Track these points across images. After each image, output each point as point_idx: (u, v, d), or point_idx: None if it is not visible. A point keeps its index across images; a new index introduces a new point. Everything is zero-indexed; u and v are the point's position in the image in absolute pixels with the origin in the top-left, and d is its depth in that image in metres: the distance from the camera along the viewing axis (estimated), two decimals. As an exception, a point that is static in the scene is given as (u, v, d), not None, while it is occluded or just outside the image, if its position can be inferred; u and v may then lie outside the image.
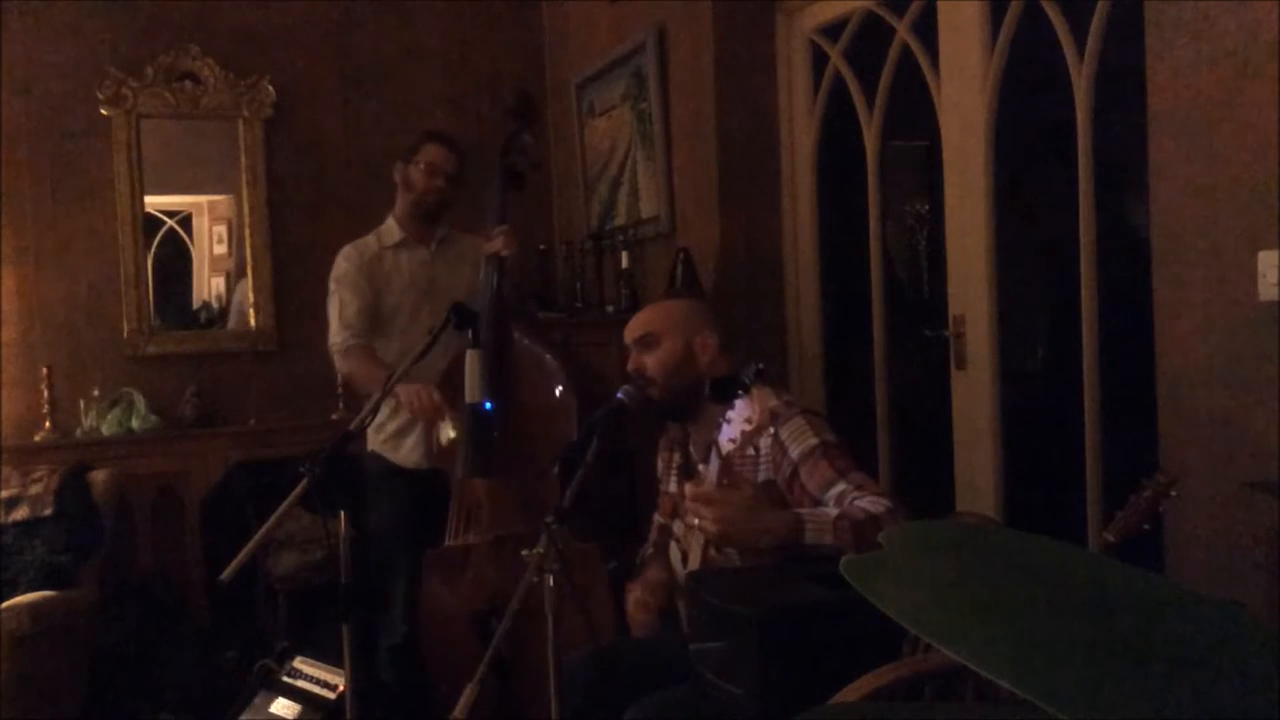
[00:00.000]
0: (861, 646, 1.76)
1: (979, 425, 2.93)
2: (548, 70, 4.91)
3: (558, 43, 4.84)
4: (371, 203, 4.53)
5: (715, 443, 2.01)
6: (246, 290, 4.58)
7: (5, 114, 4.22)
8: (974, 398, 2.94)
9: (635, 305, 3.64)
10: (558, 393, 3.01)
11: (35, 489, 3.80)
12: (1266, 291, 2.03)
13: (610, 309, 3.95)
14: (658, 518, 2.53)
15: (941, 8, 2.99)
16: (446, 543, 3.09)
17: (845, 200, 3.50)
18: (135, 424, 4.25)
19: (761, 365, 1.94)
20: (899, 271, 3.81)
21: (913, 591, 0.67)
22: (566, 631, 1.86)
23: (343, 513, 2.22)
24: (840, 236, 3.57)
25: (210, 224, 4.63)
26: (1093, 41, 2.55)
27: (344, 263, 3.34)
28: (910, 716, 1.10)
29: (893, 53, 3.21)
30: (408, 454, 3.31)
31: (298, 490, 2.15)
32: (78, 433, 4.23)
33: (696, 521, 2.01)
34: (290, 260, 4.57)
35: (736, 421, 1.89)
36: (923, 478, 3.31)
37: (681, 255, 3.54)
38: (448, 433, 3.00)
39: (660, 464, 2.53)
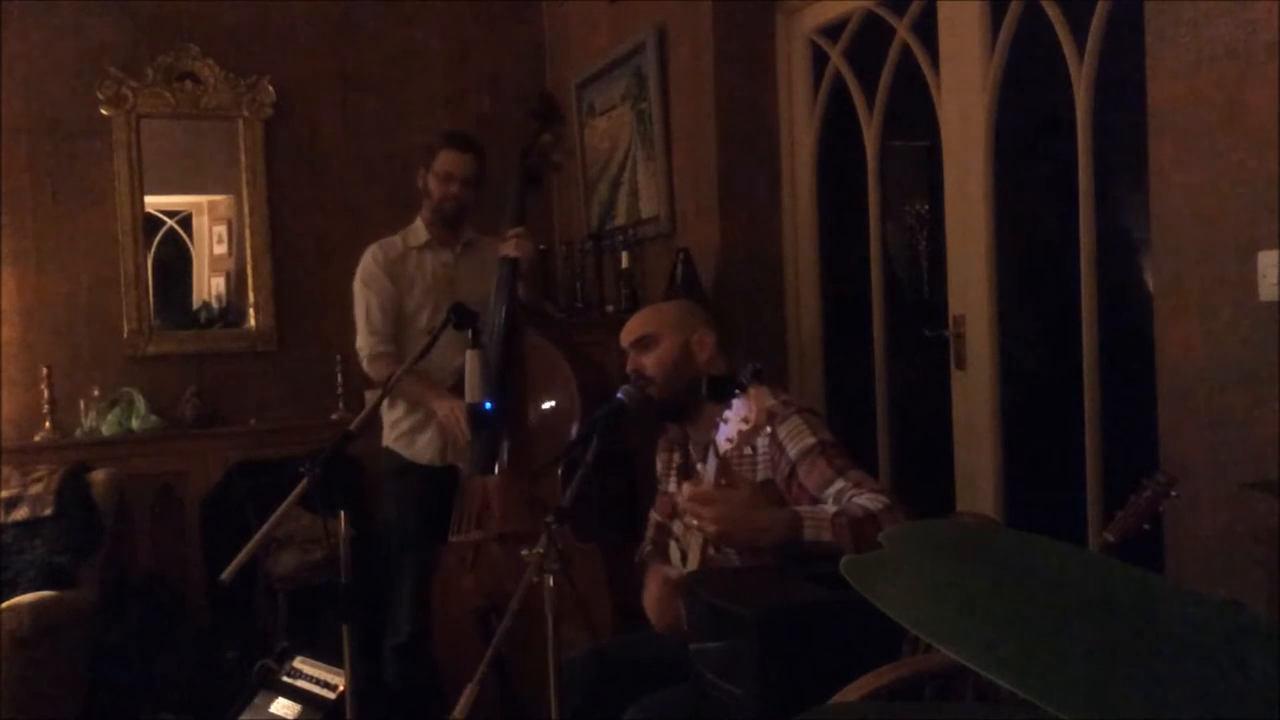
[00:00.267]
0: (861, 646, 1.76)
1: (979, 425, 2.93)
2: (548, 70, 4.91)
3: (558, 43, 4.84)
4: (371, 203, 4.56)
5: (713, 442, 2.01)
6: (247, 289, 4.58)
7: (5, 114, 4.22)
8: (974, 398, 2.94)
9: (635, 305, 3.65)
10: (568, 394, 3.02)
11: (35, 489, 3.80)
12: (1266, 291, 2.03)
13: (610, 309, 3.95)
14: (655, 516, 2.53)
15: (941, 8, 2.99)
16: (450, 539, 3.11)
17: (845, 200, 3.50)
18: (135, 424, 4.25)
19: (759, 365, 1.94)
20: (899, 271, 3.80)
21: (913, 591, 0.67)
22: (566, 631, 1.86)
23: (343, 513, 2.22)
24: (840, 236, 3.57)
25: (210, 224, 4.63)
26: (1093, 41, 2.55)
27: (370, 262, 3.37)
28: (910, 716, 1.10)
29: (893, 53, 3.21)
30: (422, 450, 3.33)
31: (298, 490, 2.15)
32: (78, 433, 4.23)
33: (695, 522, 2.02)
34: (290, 260, 4.57)
35: (733, 421, 1.89)
36: (923, 477, 3.31)
37: (681, 255, 3.54)
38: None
39: (660, 464, 2.53)
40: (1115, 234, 2.81)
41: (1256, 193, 2.04)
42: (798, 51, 3.58)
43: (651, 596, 2.30)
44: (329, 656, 3.01)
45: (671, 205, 3.84)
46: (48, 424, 4.18)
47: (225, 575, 2.02)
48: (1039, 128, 3.24)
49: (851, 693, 1.66)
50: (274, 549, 3.86)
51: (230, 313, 4.59)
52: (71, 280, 4.34)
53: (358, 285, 3.37)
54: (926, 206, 3.69)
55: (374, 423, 3.29)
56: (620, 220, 4.22)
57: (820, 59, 3.52)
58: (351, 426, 2.40)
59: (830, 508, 2.01)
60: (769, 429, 2.04)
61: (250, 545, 2.08)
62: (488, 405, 2.96)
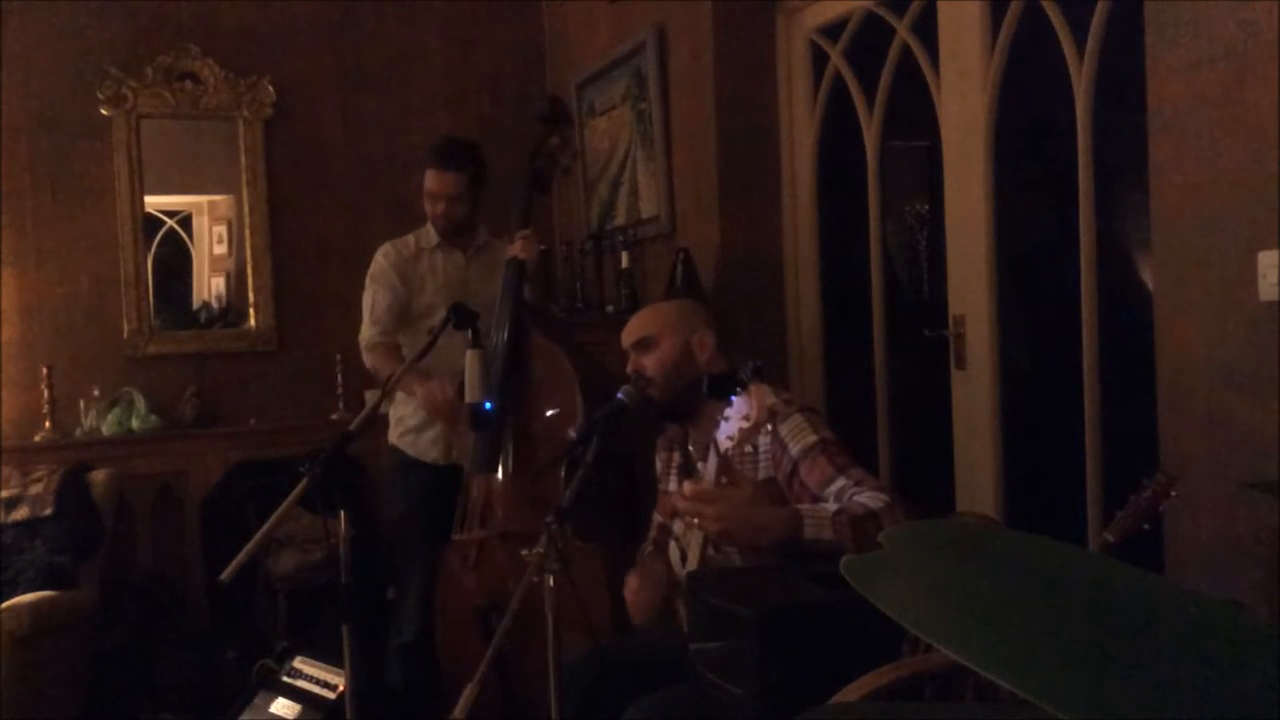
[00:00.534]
0: (861, 646, 1.76)
1: (979, 425, 2.93)
2: (548, 70, 4.91)
3: (558, 43, 4.84)
4: (371, 203, 4.56)
5: (714, 441, 2.01)
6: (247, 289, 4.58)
7: (5, 114, 4.22)
8: (974, 398, 2.94)
9: (635, 305, 3.65)
10: (571, 394, 3.02)
11: (35, 489, 3.80)
12: (1266, 291, 2.03)
13: (610, 309, 3.95)
14: (657, 516, 2.53)
15: (941, 8, 2.99)
16: (454, 537, 3.11)
17: (845, 200, 3.49)
18: (135, 424, 4.25)
19: (759, 363, 1.94)
20: (899, 271, 3.80)
21: (913, 591, 0.67)
22: (566, 631, 1.86)
23: (343, 513, 2.22)
24: (840, 236, 3.57)
25: (210, 224, 4.63)
26: (1093, 41, 2.55)
27: (381, 259, 3.39)
28: (910, 716, 1.10)
29: (893, 53, 3.21)
30: (427, 448, 3.35)
31: (298, 490, 2.15)
32: (78, 433, 4.23)
33: (696, 520, 2.02)
34: (290, 260, 4.57)
35: (734, 419, 1.89)
36: (923, 478, 3.31)
37: (681, 255, 3.54)
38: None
39: (660, 463, 2.53)
40: (1115, 234, 2.81)
41: (1256, 193, 2.04)
42: (798, 51, 3.58)
43: (630, 588, 2.31)
44: (329, 656, 3.01)
45: (671, 205, 3.84)
46: (48, 424, 4.18)
47: (225, 575, 2.02)
48: (1039, 128, 3.24)
49: (851, 693, 1.66)
50: (274, 549, 3.86)
51: (230, 313, 4.59)
52: (71, 280, 4.34)
53: (367, 280, 3.39)
54: (926, 206, 3.69)
55: (374, 422, 3.28)
56: (620, 220, 4.22)
57: (820, 59, 3.52)
58: (351, 426, 2.40)
59: (831, 506, 2.01)
60: (770, 427, 2.04)
61: (250, 545, 2.08)
62: (488, 405, 2.96)
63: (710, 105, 3.58)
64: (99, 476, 3.90)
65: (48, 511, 3.74)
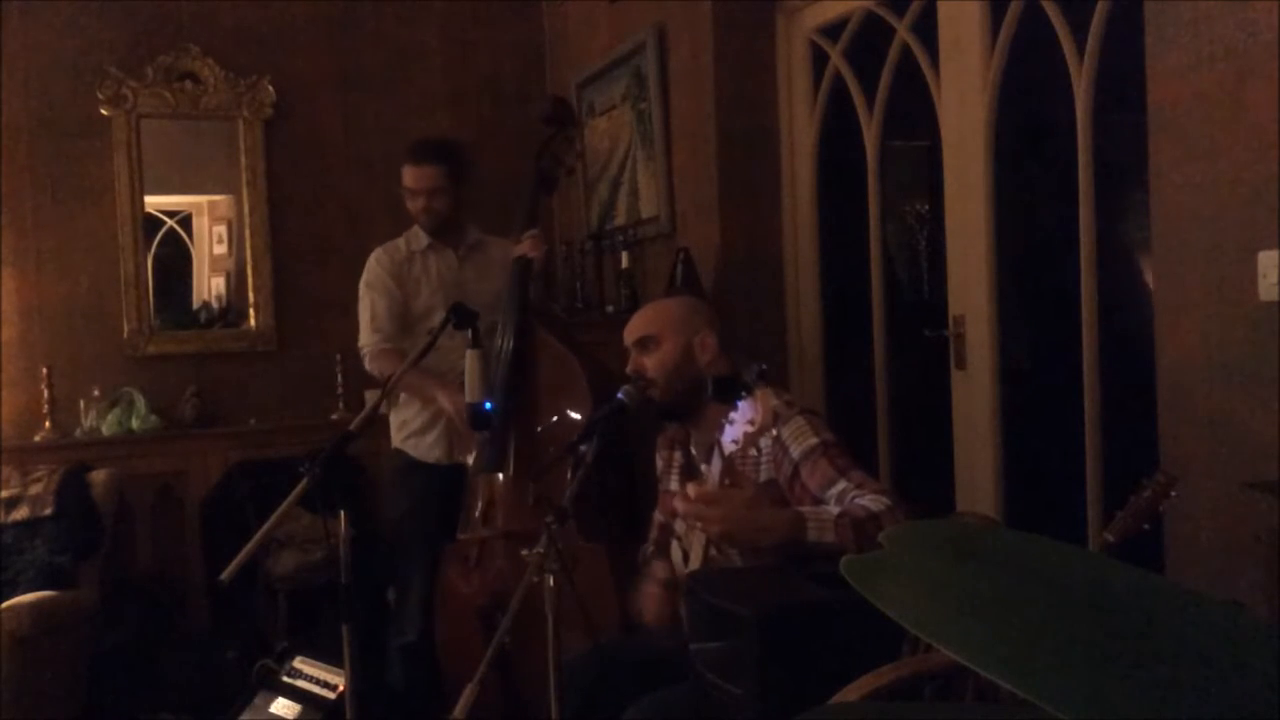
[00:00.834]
0: (861, 646, 1.76)
1: (979, 425, 2.93)
2: (548, 70, 4.91)
3: (558, 43, 4.84)
4: (371, 203, 4.56)
5: (718, 443, 2.01)
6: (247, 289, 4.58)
7: (5, 114, 4.22)
8: (974, 398, 2.94)
9: (635, 305, 3.64)
10: (579, 393, 3.02)
11: (35, 489, 3.80)
12: (1266, 291, 2.03)
13: (610, 309, 3.95)
14: (658, 516, 2.53)
15: (941, 8, 2.99)
16: (459, 537, 3.11)
17: (845, 200, 3.49)
18: (135, 424, 4.25)
19: (764, 365, 1.94)
20: (899, 271, 3.80)
21: (913, 591, 0.67)
22: (567, 631, 1.86)
23: (343, 513, 2.22)
24: (840, 236, 3.57)
25: (210, 224, 4.63)
26: (1093, 41, 2.55)
27: (375, 266, 3.39)
28: (910, 716, 1.10)
29: (893, 53, 3.21)
30: (429, 449, 3.35)
31: (298, 490, 2.15)
32: (78, 433, 4.23)
33: (699, 522, 2.02)
34: (290, 260, 4.57)
35: (739, 423, 1.89)
36: (923, 478, 3.31)
37: (681, 255, 3.54)
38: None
39: (660, 462, 2.53)
40: (1115, 234, 2.81)
41: (1256, 193, 2.04)
42: (798, 51, 3.58)
43: (645, 595, 2.31)
44: (329, 656, 3.01)
45: (671, 205, 3.84)
46: (48, 424, 4.18)
47: (225, 575, 2.02)
48: (1039, 128, 3.24)
49: (851, 693, 1.66)
50: (274, 549, 3.86)
51: (230, 313, 4.59)
52: (71, 280, 4.34)
53: (362, 288, 3.39)
54: (926, 206, 3.69)
55: (374, 423, 3.28)
56: (620, 220, 4.22)
57: (820, 59, 3.52)
58: (351, 426, 2.39)
59: (833, 508, 2.01)
60: (773, 430, 2.04)
61: (250, 545, 2.08)
62: (488, 405, 2.96)
63: (710, 105, 3.58)
64: (99, 476, 3.90)
65: (48, 511, 3.74)
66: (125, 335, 4.38)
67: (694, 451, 2.39)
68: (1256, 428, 2.05)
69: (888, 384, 3.35)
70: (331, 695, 2.97)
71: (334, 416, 4.44)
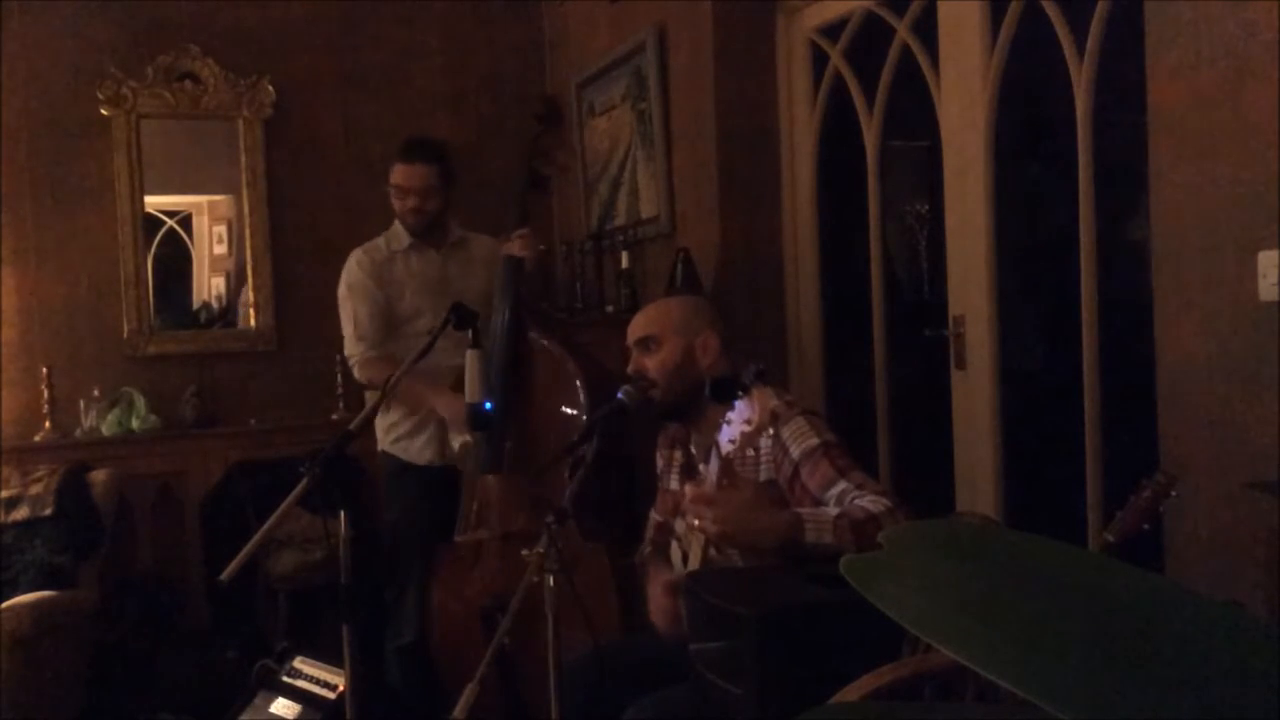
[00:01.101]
0: (861, 646, 1.76)
1: (979, 425, 2.93)
2: (548, 70, 4.91)
3: (558, 43, 4.84)
4: (371, 203, 4.53)
5: (716, 443, 2.01)
6: (247, 291, 4.58)
7: (5, 114, 4.22)
8: (974, 398, 2.94)
9: (635, 305, 3.64)
10: (573, 392, 3.02)
11: (35, 489, 3.80)
12: (1266, 291, 2.03)
13: (610, 309, 3.95)
14: (655, 515, 2.53)
15: (941, 8, 2.99)
16: (456, 539, 3.11)
17: (845, 200, 3.49)
18: (135, 424, 4.25)
19: (762, 366, 1.94)
20: (899, 271, 3.80)
21: (913, 591, 0.67)
22: (567, 631, 1.86)
23: (343, 513, 2.21)
24: (840, 236, 3.57)
25: (210, 224, 4.63)
26: (1093, 41, 2.55)
27: (355, 269, 3.34)
28: (910, 716, 1.10)
29: (893, 53, 3.21)
30: (420, 451, 3.33)
31: (298, 490, 2.15)
32: (78, 433, 4.23)
33: (697, 522, 2.02)
34: (290, 260, 4.57)
35: (736, 423, 1.90)
36: (923, 478, 3.31)
37: (681, 255, 3.54)
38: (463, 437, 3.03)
39: (660, 461, 2.53)
40: (1115, 234, 2.81)
41: (1256, 193, 2.04)
42: (798, 51, 3.58)
43: (656, 604, 2.29)
44: (329, 656, 3.01)
45: (671, 205, 3.84)
46: (48, 424, 4.18)
47: (225, 575, 2.02)
48: (1039, 128, 3.24)
49: (851, 693, 1.66)
50: (274, 549, 3.86)
51: (230, 313, 4.59)
52: (71, 280, 4.34)
53: (342, 291, 3.34)
54: (926, 206, 3.69)
55: (374, 423, 3.28)
56: (620, 220, 4.22)
57: (820, 59, 3.52)
58: (351, 426, 2.39)
59: (832, 510, 2.00)
60: (772, 430, 2.04)
61: (250, 545, 2.08)
62: (487, 405, 2.96)
63: (710, 105, 3.58)
64: (99, 476, 3.90)
65: (48, 511, 3.74)
66: (125, 335, 4.38)
67: (694, 451, 2.39)
68: (1256, 428, 2.05)
69: (888, 384, 3.34)
70: (331, 695, 2.97)
71: (334, 416, 4.44)
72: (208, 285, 4.66)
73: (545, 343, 3.12)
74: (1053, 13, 2.64)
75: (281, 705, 3.02)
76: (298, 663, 3.10)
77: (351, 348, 3.31)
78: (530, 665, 2.61)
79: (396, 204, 3.34)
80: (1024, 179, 3.25)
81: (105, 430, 4.22)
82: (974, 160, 2.89)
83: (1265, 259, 2.03)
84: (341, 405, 4.47)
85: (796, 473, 2.12)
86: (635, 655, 2.30)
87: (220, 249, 4.62)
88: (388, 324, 3.31)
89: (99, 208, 4.36)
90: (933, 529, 0.78)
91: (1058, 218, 2.86)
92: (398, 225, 3.40)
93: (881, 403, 3.35)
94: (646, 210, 4.02)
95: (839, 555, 1.89)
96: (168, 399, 4.35)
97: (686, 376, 2.31)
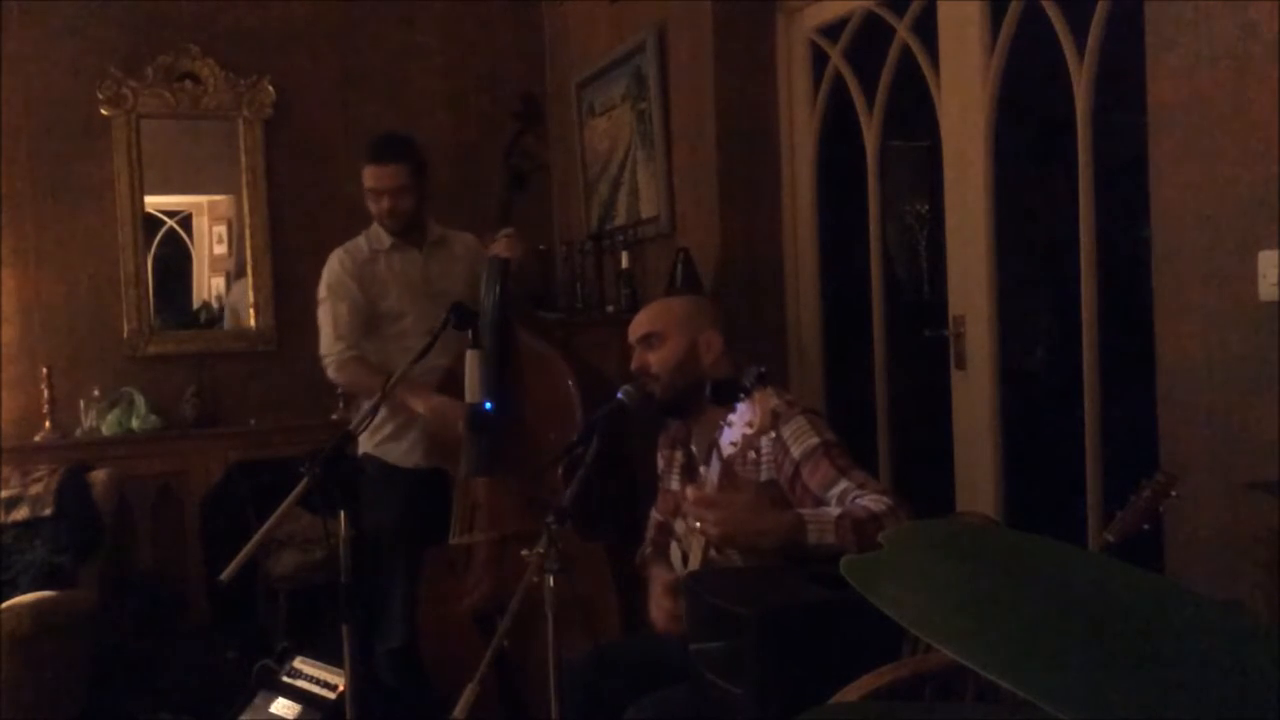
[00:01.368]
0: (861, 646, 1.76)
1: (979, 425, 2.93)
2: (548, 70, 4.91)
3: (558, 43, 4.84)
4: (371, 203, 4.55)
5: (717, 445, 2.01)
6: (246, 289, 4.58)
7: (5, 114, 4.22)
8: (974, 398, 2.94)
9: (635, 305, 3.64)
10: (564, 392, 3.01)
11: (35, 489, 3.80)
12: (1266, 291, 2.03)
13: (610, 309, 3.95)
14: (655, 514, 2.53)
15: (941, 8, 2.99)
16: (451, 541, 3.09)
17: (845, 200, 3.49)
18: (135, 424, 4.25)
19: (763, 369, 1.94)
20: (899, 271, 3.80)
21: (913, 591, 0.67)
22: (567, 631, 1.86)
23: (343, 513, 2.22)
24: (840, 236, 3.57)
25: (210, 224, 4.63)
26: (1093, 41, 2.55)
27: (336, 268, 3.29)
28: (910, 716, 1.10)
29: (893, 53, 3.21)
30: (406, 454, 3.29)
31: (298, 490, 2.15)
32: (78, 433, 4.23)
33: (698, 525, 2.01)
34: (290, 260, 4.57)
35: (738, 425, 1.89)
36: (923, 478, 3.31)
37: (681, 255, 3.54)
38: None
39: (661, 461, 2.53)
40: (1115, 234, 2.81)
41: (1256, 193, 2.04)
42: (798, 51, 3.58)
43: (656, 605, 2.30)
44: (329, 656, 3.01)
45: (671, 205, 3.84)
46: (48, 424, 4.18)
47: (225, 575, 2.02)
48: (1039, 128, 3.24)
49: (851, 693, 1.66)
50: (274, 549, 3.86)
51: (220, 312, 4.60)
52: (71, 280, 4.34)
53: (323, 291, 3.29)
54: (926, 206, 3.69)
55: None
56: (620, 220, 4.22)
57: (820, 59, 3.52)
58: (351, 426, 2.40)
59: (833, 510, 2.00)
60: (773, 431, 2.04)
61: (250, 545, 2.08)
62: (488, 405, 2.95)
63: (710, 105, 3.58)
64: (99, 476, 3.90)
65: (48, 511, 3.74)
66: (125, 335, 4.38)
67: (694, 451, 2.39)
68: (1256, 428, 2.05)
69: (888, 384, 3.34)
70: (331, 695, 2.97)
71: (334, 416, 4.44)
72: (208, 285, 4.67)
73: (535, 343, 3.11)
74: (1053, 13, 2.64)
75: (281, 705, 3.02)
76: (298, 663, 3.09)
77: (329, 347, 3.25)
78: (526, 664, 2.61)
79: (372, 206, 3.29)
80: (1024, 179, 3.25)
81: (105, 430, 4.22)
82: (974, 160, 2.89)
83: (1265, 259, 2.03)
84: (341, 405, 4.47)
85: (797, 472, 2.12)
86: (635, 655, 2.30)
87: (220, 249, 4.62)
88: (367, 325, 3.27)
89: (99, 208, 4.36)
90: (933, 529, 0.78)
91: (1058, 217, 2.86)
92: (377, 225, 3.36)
93: (881, 403, 3.35)
94: (646, 210, 4.02)
95: (840, 555, 1.89)
96: (168, 399, 4.35)
97: (689, 373, 2.31)
